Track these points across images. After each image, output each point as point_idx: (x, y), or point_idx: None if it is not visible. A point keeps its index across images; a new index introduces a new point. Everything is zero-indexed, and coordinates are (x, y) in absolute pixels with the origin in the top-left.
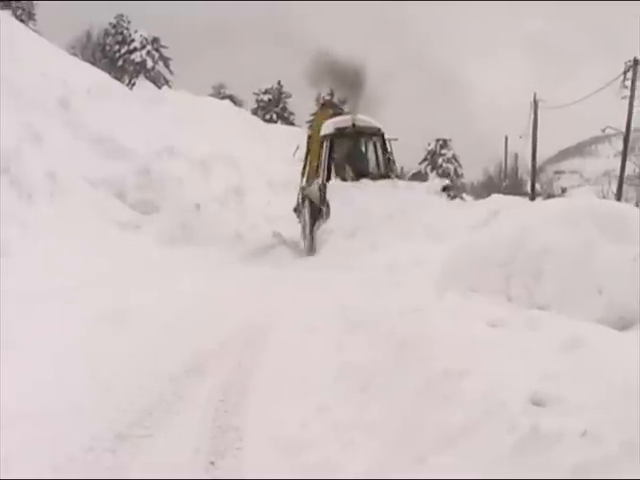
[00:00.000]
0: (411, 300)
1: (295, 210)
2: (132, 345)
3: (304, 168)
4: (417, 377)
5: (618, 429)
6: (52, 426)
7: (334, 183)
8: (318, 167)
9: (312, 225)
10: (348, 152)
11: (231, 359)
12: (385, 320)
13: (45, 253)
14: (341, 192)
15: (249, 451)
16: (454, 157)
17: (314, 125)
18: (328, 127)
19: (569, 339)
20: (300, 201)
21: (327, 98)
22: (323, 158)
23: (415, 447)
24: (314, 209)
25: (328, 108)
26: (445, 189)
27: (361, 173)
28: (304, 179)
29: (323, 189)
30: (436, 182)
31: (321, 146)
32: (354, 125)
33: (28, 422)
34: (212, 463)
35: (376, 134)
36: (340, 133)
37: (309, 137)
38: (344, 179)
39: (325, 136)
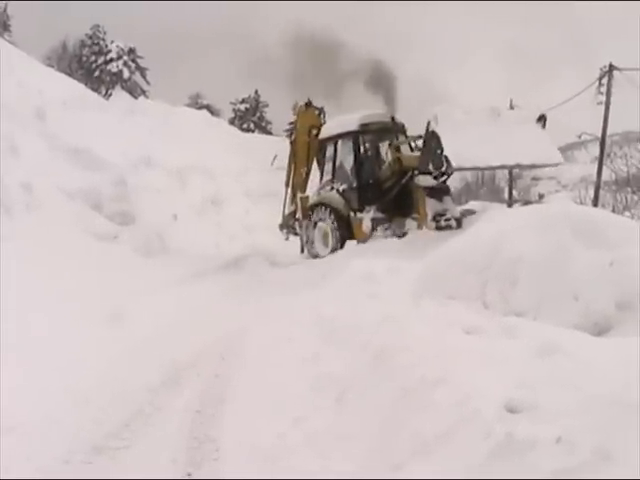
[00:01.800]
0: (387, 309)
1: (282, 227)
2: (109, 356)
3: (289, 177)
4: (393, 386)
5: (592, 435)
6: (28, 440)
7: None
8: (307, 174)
9: (340, 233)
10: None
11: (208, 370)
12: (361, 329)
13: (20, 266)
14: None
15: (226, 462)
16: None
17: (298, 129)
18: (347, 123)
19: (545, 345)
20: (307, 211)
21: (300, 105)
22: (344, 159)
23: (391, 455)
24: (338, 216)
25: (313, 108)
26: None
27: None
28: (288, 189)
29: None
30: None
31: (335, 148)
32: (393, 118)
33: (4, 436)
34: (189, 474)
35: (401, 130)
36: (366, 129)
37: (292, 143)
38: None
39: (344, 134)
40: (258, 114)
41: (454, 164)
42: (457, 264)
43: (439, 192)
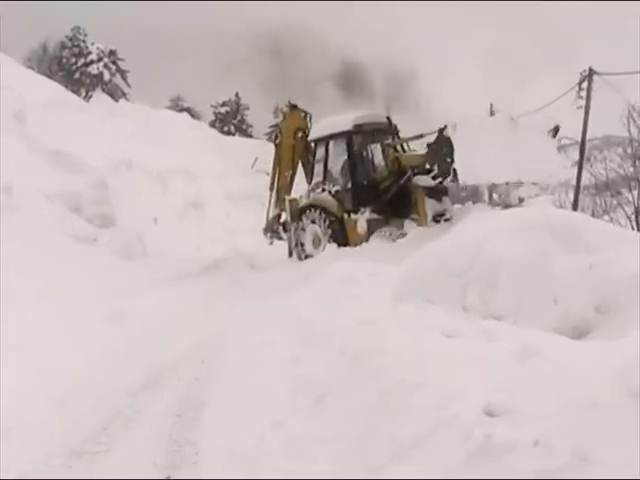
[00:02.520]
0: (367, 312)
1: (266, 231)
2: (88, 359)
3: (273, 181)
4: (372, 389)
5: (570, 438)
6: (6, 443)
7: None
8: (292, 176)
9: (332, 234)
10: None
11: (188, 373)
12: (340, 332)
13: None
14: None
15: (205, 465)
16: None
17: (284, 131)
18: (339, 124)
19: (524, 349)
20: (296, 214)
21: (281, 108)
22: (337, 160)
23: (370, 458)
24: (331, 218)
25: (298, 111)
26: None
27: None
28: (273, 193)
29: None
30: None
31: (326, 149)
32: (389, 119)
33: None
34: (168, 477)
35: (395, 131)
36: (360, 130)
37: (277, 145)
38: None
39: (337, 135)
40: (239, 117)
41: (460, 181)
42: (437, 267)
43: (438, 192)
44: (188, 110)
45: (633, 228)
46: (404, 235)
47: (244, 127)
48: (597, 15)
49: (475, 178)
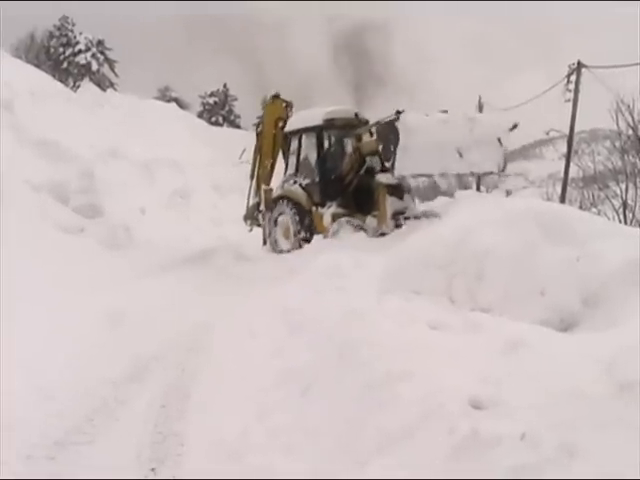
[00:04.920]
0: (353, 303)
1: (246, 218)
2: (73, 350)
3: (254, 169)
4: (357, 381)
5: (556, 432)
6: None
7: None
8: (272, 166)
9: (301, 226)
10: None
11: (173, 364)
12: (326, 323)
13: None
14: None
15: (190, 457)
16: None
17: (265, 121)
18: (312, 118)
19: (510, 341)
20: (270, 204)
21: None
22: (308, 154)
23: (356, 450)
24: (300, 210)
25: (280, 100)
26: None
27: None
28: (253, 182)
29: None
30: None
31: (299, 141)
32: (357, 114)
33: None
34: (153, 469)
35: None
36: (330, 124)
37: (259, 134)
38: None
39: (309, 129)
40: (227, 108)
41: (396, 172)
42: (423, 259)
43: (400, 190)
44: (176, 100)
45: (620, 221)
46: (364, 230)
47: (232, 118)
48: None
49: (411, 170)
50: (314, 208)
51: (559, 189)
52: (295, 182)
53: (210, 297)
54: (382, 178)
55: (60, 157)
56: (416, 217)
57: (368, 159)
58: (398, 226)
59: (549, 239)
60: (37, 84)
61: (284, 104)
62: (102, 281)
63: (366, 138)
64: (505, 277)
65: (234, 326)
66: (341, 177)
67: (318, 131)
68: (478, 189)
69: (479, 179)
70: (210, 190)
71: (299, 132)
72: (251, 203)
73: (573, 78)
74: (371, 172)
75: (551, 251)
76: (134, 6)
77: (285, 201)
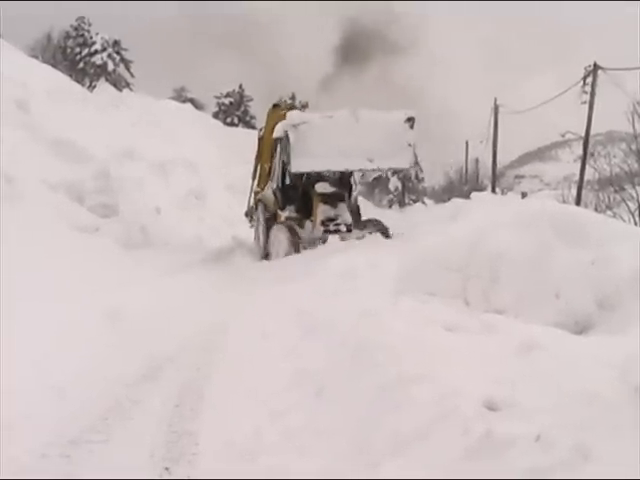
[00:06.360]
0: (367, 304)
1: (246, 214)
2: (88, 350)
3: (255, 171)
4: (372, 382)
5: (571, 434)
6: (5, 434)
7: None
8: (270, 170)
9: (267, 230)
10: None
11: (188, 364)
12: (340, 325)
13: (0, 258)
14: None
15: (204, 457)
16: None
17: (265, 127)
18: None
19: (525, 343)
20: (253, 205)
21: (284, 100)
22: (278, 160)
23: (369, 451)
24: (268, 214)
25: (280, 108)
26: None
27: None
28: (255, 182)
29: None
30: None
31: (274, 148)
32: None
33: None
34: (167, 469)
35: None
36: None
37: (260, 139)
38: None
39: (277, 137)
40: (242, 108)
41: (292, 169)
42: (438, 260)
43: (334, 199)
44: (192, 101)
45: (636, 224)
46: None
47: (247, 118)
48: (598, 10)
49: (307, 167)
50: (279, 212)
51: (574, 191)
52: (270, 188)
53: (225, 297)
54: (319, 187)
55: (76, 157)
56: (347, 224)
57: None
58: (327, 232)
59: (564, 241)
60: (53, 84)
61: (283, 112)
62: (117, 280)
63: None
64: (520, 279)
65: (249, 326)
66: (295, 184)
67: (284, 138)
68: (493, 191)
69: (494, 181)
70: (225, 191)
71: (276, 139)
72: (252, 202)
73: (589, 80)
74: (314, 180)
75: (566, 254)
76: (151, 6)
77: (260, 205)
